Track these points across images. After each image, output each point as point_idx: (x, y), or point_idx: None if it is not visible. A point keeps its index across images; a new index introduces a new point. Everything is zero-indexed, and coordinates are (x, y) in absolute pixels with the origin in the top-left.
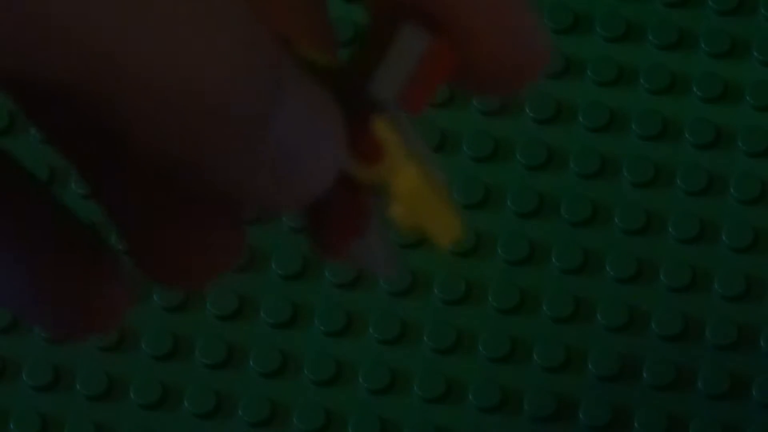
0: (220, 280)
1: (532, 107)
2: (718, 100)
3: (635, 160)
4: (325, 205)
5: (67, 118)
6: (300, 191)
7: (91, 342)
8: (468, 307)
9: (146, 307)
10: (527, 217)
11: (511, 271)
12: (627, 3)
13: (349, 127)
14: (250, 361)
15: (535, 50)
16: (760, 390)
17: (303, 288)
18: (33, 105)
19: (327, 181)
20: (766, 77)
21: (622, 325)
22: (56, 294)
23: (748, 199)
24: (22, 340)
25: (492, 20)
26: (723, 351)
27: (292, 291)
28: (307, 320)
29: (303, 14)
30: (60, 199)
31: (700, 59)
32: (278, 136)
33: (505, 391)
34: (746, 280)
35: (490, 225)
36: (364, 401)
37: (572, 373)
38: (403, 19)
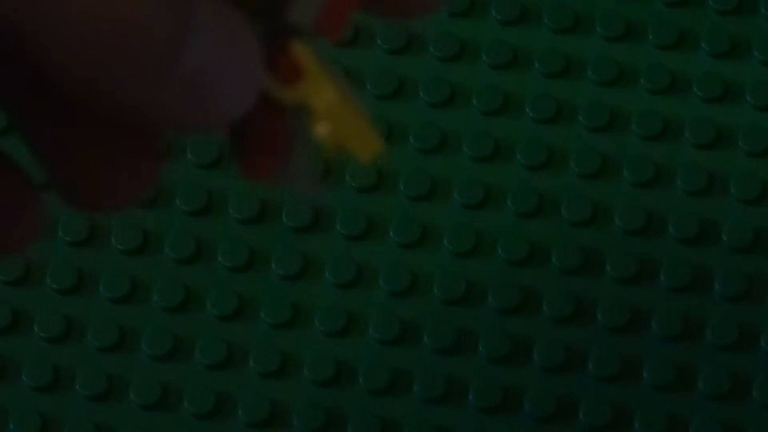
0: (132, 206)
1: (532, 107)
2: (718, 100)
3: (635, 160)
4: (248, 126)
5: None
6: (215, 112)
7: (91, 342)
8: (468, 306)
9: (146, 307)
10: (527, 217)
11: (511, 270)
12: (627, 3)
13: (268, 51)
14: (250, 361)
15: None
16: (760, 390)
17: (303, 288)
18: None
19: (244, 102)
20: (767, 77)
21: (622, 325)
22: None
23: (749, 199)
24: (22, 340)
25: None
26: (723, 351)
27: (292, 291)
28: (307, 320)
29: None
30: None
31: (700, 59)
32: (190, 58)
33: (505, 391)
34: (746, 280)
35: (490, 225)
36: (364, 401)
37: (572, 373)
38: None
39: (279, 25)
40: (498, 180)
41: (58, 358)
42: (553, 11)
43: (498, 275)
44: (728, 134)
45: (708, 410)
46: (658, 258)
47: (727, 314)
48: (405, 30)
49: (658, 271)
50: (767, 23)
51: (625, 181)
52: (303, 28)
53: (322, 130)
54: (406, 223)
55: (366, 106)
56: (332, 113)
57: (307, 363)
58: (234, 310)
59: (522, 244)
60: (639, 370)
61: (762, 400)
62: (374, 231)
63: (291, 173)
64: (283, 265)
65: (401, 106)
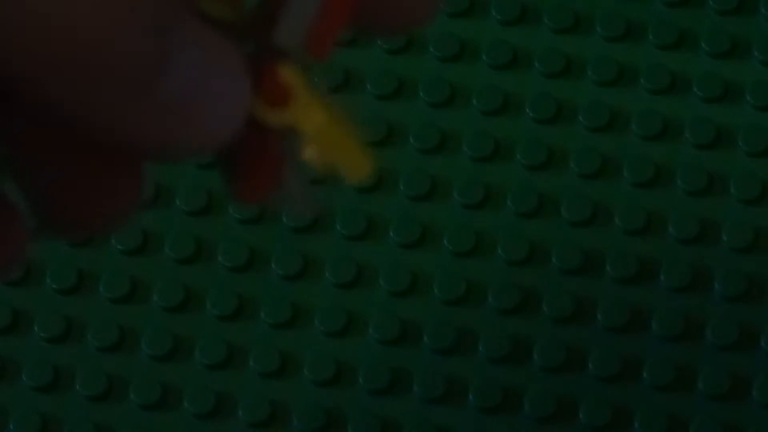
0: (117, 226)
1: (532, 107)
2: (718, 100)
3: (635, 160)
4: (239, 150)
5: None
6: (199, 136)
7: (91, 342)
8: (468, 306)
9: (146, 307)
10: (527, 217)
11: (511, 270)
12: (627, 3)
13: (257, 74)
14: (250, 361)
15: None
16: (760, 390)
17: (303, 288)
18: None
19: (230, 125)
20: (767, 77)
21: (622, 325)
22: None
23: (749, 199)
24: (22, 340)
25: None
26: (723, 351)
27: (292, 291)
28: (307, 320)
29: None
30: None
31: (700, 59)
32: (170, 81)
33: (505, 391)
34: (746, 280)
35: (490, 225)
36: (364, 401)
37: (572, 373)
38: None
39: (266, 47)
40: (498, 180)
41: (58, 358)
42: (553, 11)
43: (498, 275)
44: (728, 134)
45: (708, 410)
46: (658, 258)
47: (727, 314)
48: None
49: (658, 271)
50: (767, 23)
51: (625, 181)
52: (291, 50)
53: (311, 152)
54: (406, 223)
55: (355, 128)
56: (321, 135)
57: (307, 363)
58: (234, 310)
59: (522, 244)
60: (639, 370)
61: (762, 400)
62: (374, 231)
63: (284, 195)
64: (283, 265)
65: (401, 106)
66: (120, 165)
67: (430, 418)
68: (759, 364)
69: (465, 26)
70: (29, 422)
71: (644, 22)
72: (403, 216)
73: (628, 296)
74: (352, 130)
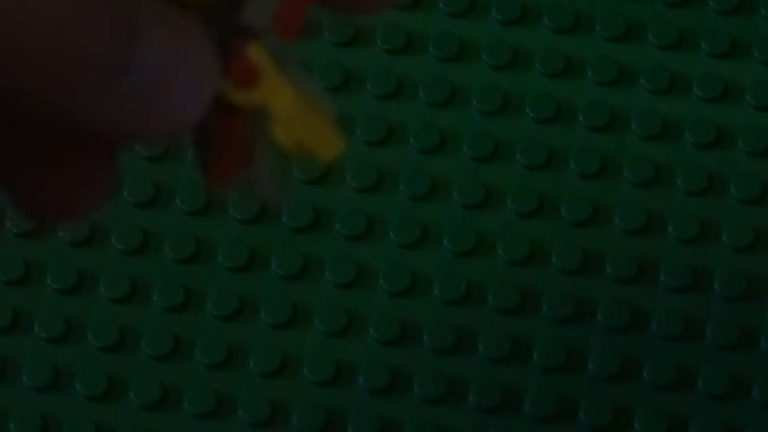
0: (89, 217)
1: (532, 107)
2: (718, 100)
3: (635, 160)
4: (208, 133)
5: None
6: (169, 119)
7: (91, 342)
8: (468, 307)
9: (146, 308)
10: (527, 217)
11: (511, 270)
12: (627, 3)
13: (225, 55)
14: (250, 361)
15: None
16: (760, 390)
17: (303, 288)
18: None
19: (198, 107)
20: (766, 77)
21: (622, 325)
22: None
23: (749, 199)
24: (22, 340)
25: None
26: (723, 351)
27: (292, 291)
28: (307, 320)
29: None
30: None
31: (700, 59)
32: (136, 66)
33: (505, 391)
34: (746, 280)
35: (490, 225)
36: (364, 401)
37: (572, 373)
38: None
39: (234, 28)
40: (498, 180)
41: (59, 358)
42: (553, 11)
43: (498, 275)
44: (728, 134)
45: (708, 410)
46: (658, 258)
47: (727, 314)
48: (404, 30)
49: (658, 271)
50: (767, 23)
51: (625, 181)
52: (259, 30)
53: (282, 132)
54: (406, 223)
55: (328, 103)
56: (291, 115)
57: (307, 363)
58: (234, 310)
59: (522, 244)
60: (639, 370)
61: (762, 400)
62: (374, 231)
63: (254, 178)
64: (283, 265)
65: (401, 106)
66: (92, 152)
67: (430, 418)
68: (759, 364)
69: (465, 26)
70: (29, 422)
71: (644, 22)
72: (403, 216)
73: (628, 296)
74: (322, 109)
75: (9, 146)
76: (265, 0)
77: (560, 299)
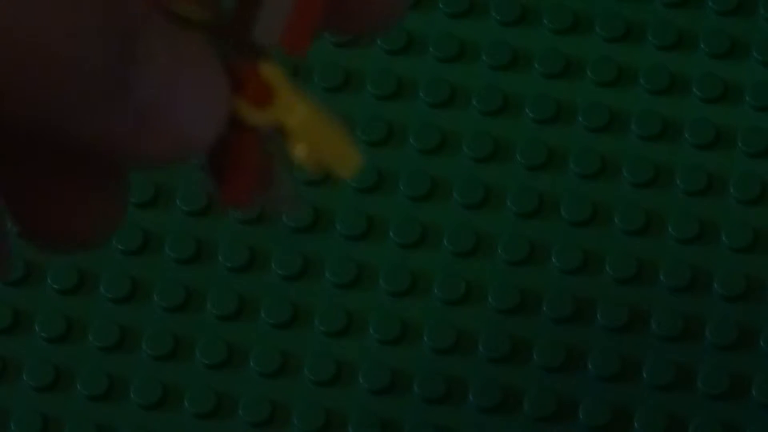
0: (101, 242)
1: (532, 107)
2: (718, 101)
3: (635, 160)
4: (223, 153)
5: None
6: (179, 140)
7: (91, 342)
8: (468, 307)
9: (147, 308)
10: (527, 217)
11: (511, 271)
12: (627, 3)
13: (236, 73)
14: (250, 361)
15: None
16: (760, 390)
17: (303, 288)
18: None
19: (210, 128)
20: (766, 77)
21: (622, 325)
22: None
23: (748, 199)
24: (22, 340)
25: None
26: (723, 351)
27: (292, 291)
28: (307, 320)
29: None
30: None
31: (700, 59)
32: (141, 87)
33: (505, 391)
34: (746, 280)
35: (490, 225)
36: (364, 401)
37: (572, 373)
38: None
39: (244, 47)
40: (498, 180)
41: (59, 358)
42: (553, 12)
43: (498, 275)
44: (727, 135)
45: (708, 410)
46: (657, 258)
47: (726, 314)
48: (404, 30)
49: (658, 271)
50: (766, 24)
51: (625, 181)
52: (269, 47)
53: (298, 149)
54: (406, 223)
55: (340, 123)
56: (308, 131)
57: (307, 363)
58: (234, 310)
59: (522, 244)
60: (639, 370)
61: (761, 399)
62: (374, 231)
63: (271, 196)
64: (283, 265)
65: (401, 106)
66: (100, 175)
67: (430, 418)
68: (759, 363)
69: (465, 26)
70: (30, 422)
71: (644, 22)
72: (403, 216)
73: (628, 296)
74: (338, 125)
75: (16, 171)
76: (274, 17)
77: (560, 299)
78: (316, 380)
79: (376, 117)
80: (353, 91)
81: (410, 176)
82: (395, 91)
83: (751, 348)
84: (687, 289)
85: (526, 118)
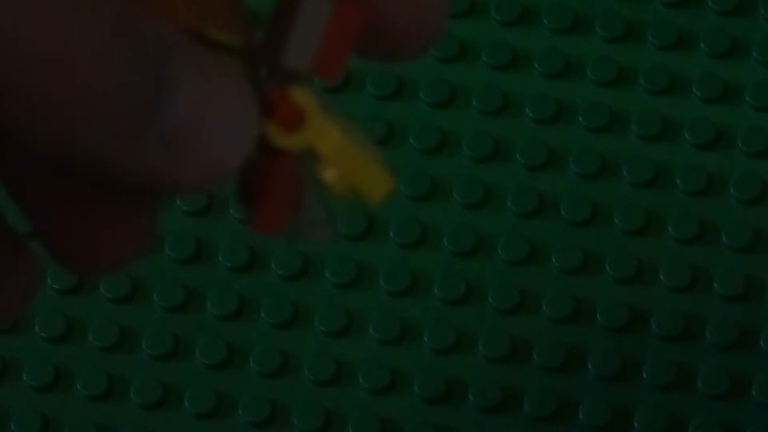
0: (127, 266)
1: (532, 107)
2: (717, 101)
3: (635, 160)
4: (254, 177)
5: None
6: (209, 166)
7: (92, 342)
8: (468, 307)
9: (147, 308)
10: (527, 217)
11: (511, 271)
12: (627, 3)
13: (268, 99)
14: (250, 361)
15: (435, 7)
16: (760, 390)
17: (303, 288)
18: None
19: (239, 152)
20: (766, 78)
21: (622, 325)
22: None
23: (748, 199)
24: (22, 340)
25: None
26: (723, 351)
27: (292, 291)
28: (307, 320)
29: (212, 3)
30: None
31: (700, 59)
32: (169, 112)
33: (505, 391)
34: (746, 280)
35: (490, 225)
36: (364, 401)
37: (572, 373)
38: None
39: (275, 71)
40: (498, 180)
41: (59, 358)
42: (553, 12)
43: (498, 275)
44: (727, 135)
45: (708, 410)
46: (657, 258)
47: (726, 314)
48: None
49: (658, 271)
50: (766, 24)
51: (625, 181)
52: (301, 72)
53: (330, 174)
54: (406, 223)
55: (372, 145)
56: (339, 156)
57: (307, 363)
58: (234, 310)
59: (522, 244)
60: (639, 370)
61: (761, 399)
62: (374, 231)
63: (303, 221)
64: (283, 265)
65: (401, 106)
66: (130, 202)
67: (430, 418)
68: (758, 363)
69: (465, 26)
70: (30, 422)
71: (644, 22)
72: (403, 216)
73: (628, 296)
74: (369, 149)
75: (45, 198)
76: (306, 42)
77: (560, 299)
78: (316, 380)
79: (376, 117)
80: (353, 91)
81: (410, 176)
82: (395, 91)
83: (751, 348)
84: (687, 289)
85: (526, 118)
